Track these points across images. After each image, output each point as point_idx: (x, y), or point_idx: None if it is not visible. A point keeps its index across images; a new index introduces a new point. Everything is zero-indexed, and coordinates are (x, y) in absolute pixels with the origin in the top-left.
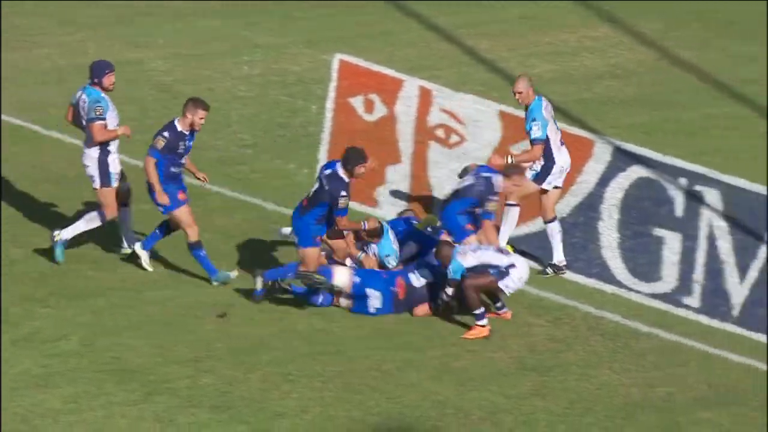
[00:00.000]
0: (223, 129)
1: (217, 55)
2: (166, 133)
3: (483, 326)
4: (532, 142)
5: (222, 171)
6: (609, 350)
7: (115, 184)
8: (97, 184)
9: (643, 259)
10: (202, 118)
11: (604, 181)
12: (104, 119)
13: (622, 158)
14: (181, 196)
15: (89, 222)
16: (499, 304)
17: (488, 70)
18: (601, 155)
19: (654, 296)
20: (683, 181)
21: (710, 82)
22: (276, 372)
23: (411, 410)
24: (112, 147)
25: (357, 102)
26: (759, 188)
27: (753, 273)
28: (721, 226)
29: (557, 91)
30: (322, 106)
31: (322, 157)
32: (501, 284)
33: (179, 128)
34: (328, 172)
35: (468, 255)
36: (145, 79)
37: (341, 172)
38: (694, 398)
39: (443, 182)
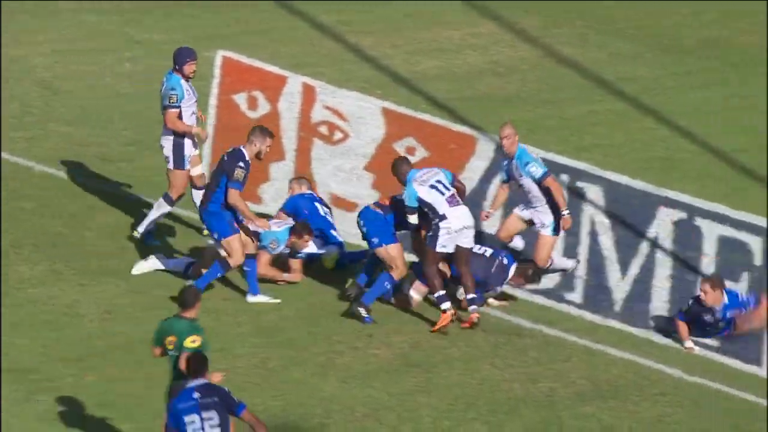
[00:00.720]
0: (106, 126)
1: (98, 51)
2: (242, 164)
3: (445, 311)
4: (541, 180)
5: (104, 168)
6: (492, 346)
7: (188, 167)
8: (171, 164)
9: (526, 255)
10: (269, 146)
11: (487, 178)
12: (177, 107)
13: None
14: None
15: (159, 208)
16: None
17: (372, 67)
18: (484, 152)
19: (537, 292)
20: (565, 177)
21: (591, 79)
22: (160, 370)
23: (296, 407)
24: (188, 133)
25: (240, 99)
26: (639, 184)
27: (634, 269)
28: (603, 222)
29: (441, 88)
30: (205, 103)
31: (206, 154)
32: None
33: (247, 157)
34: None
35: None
36: (27, 76)
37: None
38: (576, 393)
39: (327, 179)
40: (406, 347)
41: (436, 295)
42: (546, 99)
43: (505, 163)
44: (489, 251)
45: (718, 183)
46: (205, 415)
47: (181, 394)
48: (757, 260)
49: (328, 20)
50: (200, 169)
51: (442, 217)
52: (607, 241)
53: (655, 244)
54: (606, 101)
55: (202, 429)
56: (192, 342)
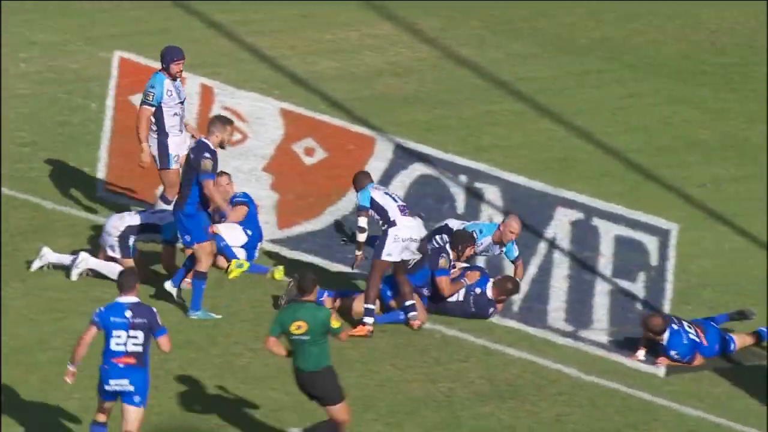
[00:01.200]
0: (1, 127)
1: None
2: (207, 155)
3: (364, 325)
4: (516, 259)
5: None
6: (391, 346)
7: (174, 165)
8: (157, 164)
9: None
10: (231, 134)
11: (386, 178)
12: (152, 105)
13: (404, 156)
14: (211, 229)
15: (159, 202)
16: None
17: (269, 67)
18: (383, 153)
19: None
20: (464, 178)
21: (489, 79)
22: (56, 372)
23: (194, 409)
24: (174, 130)
25: (137, 100)
26: (537, 185)
27: (532, 269)
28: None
29: (339, 88)
30: (102, 104)
31: (102, 156)
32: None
33: (212, 146)
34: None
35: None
36: None
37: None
38: (475, 393)
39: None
40: None
41: (365, 305)
42: (444, 99)
43: (497, 248)
44: (461, 294)
45: (615, 183)
46: (131, 333)
47: (115, 307)
48: (653, 260)
49: (224, 20)
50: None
51: (392, 223)
52: None
53: (552, 244)
54: (504, 101)
55: (125, 345)
56: (336, 321)
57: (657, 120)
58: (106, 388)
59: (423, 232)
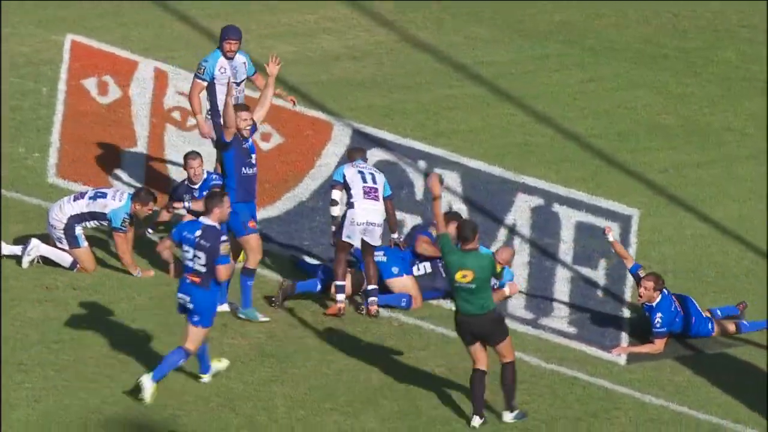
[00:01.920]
0: None
1: None
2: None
3: (336, 302)
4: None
5: None
6: (349, 335)
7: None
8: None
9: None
10: (245, 120)
11: (343, 164)
12: (203, 79)
13: (361, 141)
14: (251, 223)
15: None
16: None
17: None
18: (340, 138)
19: None
20: (422, 163)
21: (448, 63)
22: (7, 362)
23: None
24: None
25: (90, 84)
26: (497, 170)
27: None
28: (460, 209)
29: (295, 72)
30: (54, 88)
31: (54, 141)
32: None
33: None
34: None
35: None
36: None
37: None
38: (434, 382)
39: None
40: (261, 337)
41: (335, 282)
42: (402, 83)
43: None
44: (428, 266)
45: (575, 168)
46: (197, 252)
47: (191, 224)
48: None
49: (179, 3)
50: None
51: (350, 205)
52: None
53: (512, 230)
54: (463, 86)
55: (192, 262)
56: (499, 266)
57: (618, 105)
58: (178, 299)
59: (381, 218)
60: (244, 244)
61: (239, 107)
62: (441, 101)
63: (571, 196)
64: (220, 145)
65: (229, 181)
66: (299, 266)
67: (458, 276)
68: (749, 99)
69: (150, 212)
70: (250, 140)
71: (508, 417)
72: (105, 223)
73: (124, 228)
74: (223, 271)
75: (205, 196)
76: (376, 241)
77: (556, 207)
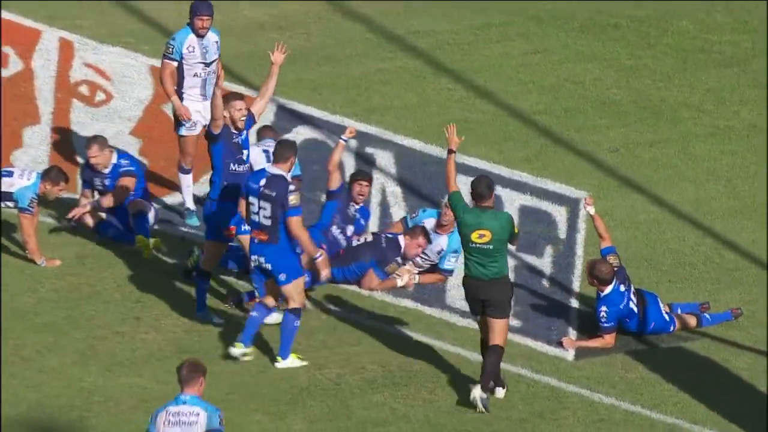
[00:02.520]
0: None
1: None
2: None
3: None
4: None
5: None
6: (273, 329)
7: (186, 132)
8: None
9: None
10: (240, 110)
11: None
12: (171, 59)
13: (287, 117)
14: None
15: (182, 181)
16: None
17: (138, 20)
18: (264, 114)
19: None
20: (353, 142)
21: (381, 34)
22: None
23: (53, 399)
24: (192, 93)
25: None
26: (435, 150)
27: None
28: (395, 191)
29: None
30: None
31: None
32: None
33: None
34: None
35: None
36: None
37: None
38: (366, 380)
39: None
40: (178, 332)
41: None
42: (332, 56)
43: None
44: (369, 236)
45: (519, 148)
46: (262, 203)
47: (258, 173)
48: (561, 232)
49: None
50: None
51: None
52: (399, 212)
53: None
54: (397, 58)
55: (258, 215)
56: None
57: (565, 79)
58: (251, 262)
59: None
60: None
61: (233, 96)
62: (373, 75)
63: (515, 178)
64: (207, 136)
65: (214, 176)
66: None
67: (474, 236)
68: (707, 72)
69: (60, 193)
70: (245, 133)
71: (477, 392)
72: (11, 204)
73: (31, 209)
74: (294, 222)
75: (280, 143)
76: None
77: (499, 190)
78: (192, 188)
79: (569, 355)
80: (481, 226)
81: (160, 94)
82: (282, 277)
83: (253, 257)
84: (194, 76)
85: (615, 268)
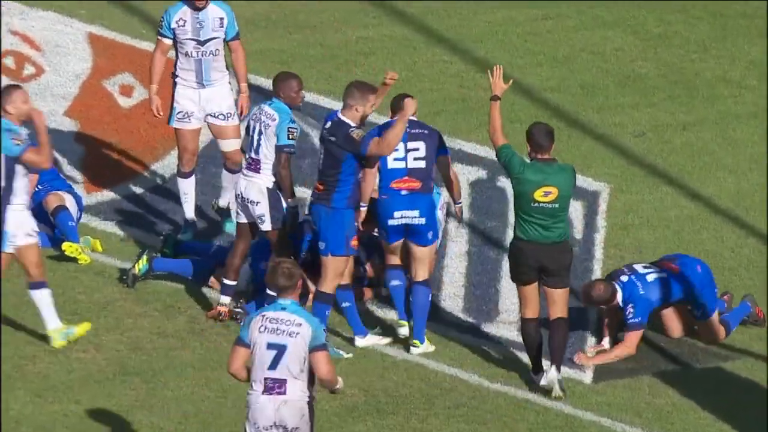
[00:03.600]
0: None
1: None
2: (353, 128)
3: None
4: None
5: None
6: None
7: (178, 124)
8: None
9: None
10: (373, 106)
11: None
12: (163, 36)
13: (251, 95)
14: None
15: (180, 186)
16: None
17: None
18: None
19: None
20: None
21: None
22: None
23: None
24: (186, 76)
25: None
26: None
27: None
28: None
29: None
30: None
31: None
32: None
33: (352, 124)
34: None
35: None
36: None
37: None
38: (345, 407)
39: None
40: (122, 350)
41: (223, 279)
42: (304, 22)
43: None
44: None
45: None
46: (410, 145)
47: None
48: (577, 231)
49: None
50: (235, 143)
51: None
52: None
53: (447, 211)
54: (383, 25)
55: (405, 160)
56: None
57: (581, 49)
58: (390, 222)
59: (256, 195)
60: (332, 264)
61: (369, 88)
62: (354, 45)
63: None
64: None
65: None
66: (182, 249)
67: (538, 194)
68: (750, 41)
69: None
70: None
71: (554, 375)
72: None
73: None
74: (368, 175)
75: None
76: (251, 217)
77: (502, 181)
78: (193, 196)
79: (586, 377)
80: (546, 182)
81: (100, 67)
82: (430, 235)
83: (400, 213)
84: (186, 55)
85: (607, 281)
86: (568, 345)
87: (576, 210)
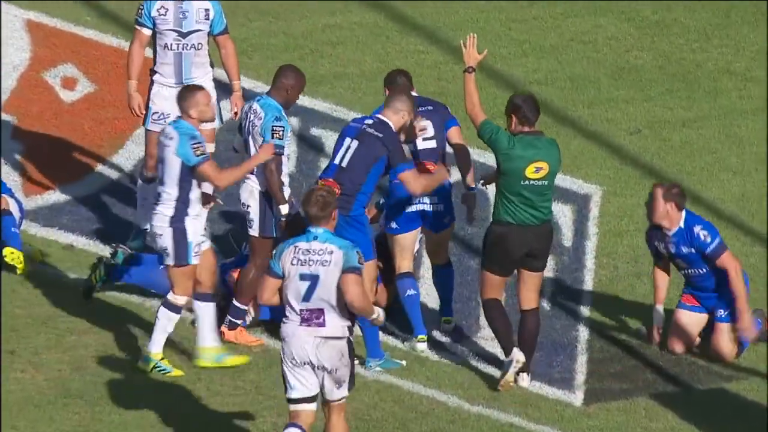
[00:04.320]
0: None
1: None
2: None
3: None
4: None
5: None
6: (194, 366)
7: (150, 125)
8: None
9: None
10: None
11: None
12: (141, 25)
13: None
14: None
15: (139, 191)
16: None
17: None
18: None
19: None
20: (295, 121)
21: None
22: None
23: None
24: (164, 71)
25: None
26: None
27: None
28: None
29: None
30: None
31: None
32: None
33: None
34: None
35: None
36: None
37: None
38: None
39: None
40: (65, 369)
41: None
42: (266, 9)
43: None
44: None
45: None
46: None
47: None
48: (566, 238)
49: None
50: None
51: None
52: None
53: None
54: (352, 11)
55: (413, 141)
56: None
57: (571, 38)
58: (408, 210)
59: (246, 198)
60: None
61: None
62: (321, 33)
63: None
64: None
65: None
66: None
67: (530, 171)
68: (755, 29)
69: None
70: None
71: (526, 381)
72: None
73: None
74: (409, 176)
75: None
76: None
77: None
78: (150, 203)
79: (576, 398)
80: (537, 157)
81: (40, 58)
82: (447, 219)
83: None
84: (165, 48)
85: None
86: (557, 364)
87: (565, 215)
